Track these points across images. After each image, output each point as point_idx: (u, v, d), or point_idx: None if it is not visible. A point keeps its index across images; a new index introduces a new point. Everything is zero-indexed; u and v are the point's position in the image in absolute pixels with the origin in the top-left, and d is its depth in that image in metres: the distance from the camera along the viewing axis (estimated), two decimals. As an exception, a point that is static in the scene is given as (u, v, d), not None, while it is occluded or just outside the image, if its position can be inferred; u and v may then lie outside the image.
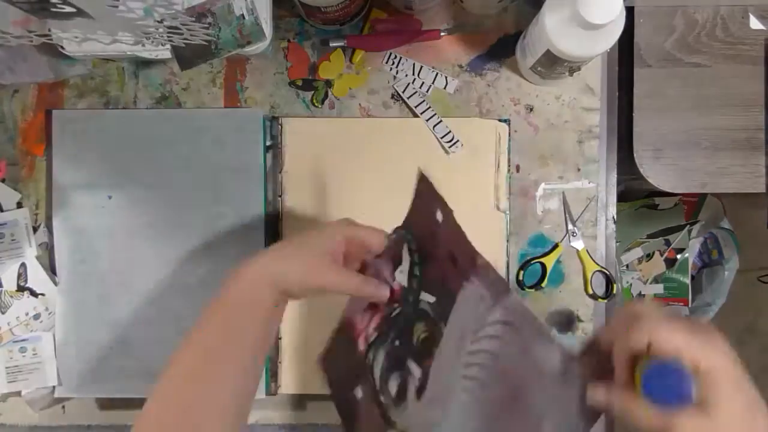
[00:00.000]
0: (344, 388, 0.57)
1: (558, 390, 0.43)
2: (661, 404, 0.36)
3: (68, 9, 0.47)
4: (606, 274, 0.68)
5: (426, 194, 0.51)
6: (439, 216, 0.49)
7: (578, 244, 0.67)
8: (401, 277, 0.53)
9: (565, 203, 0.68)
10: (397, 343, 0.54)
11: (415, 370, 0.52)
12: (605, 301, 0.68)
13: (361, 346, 0.56)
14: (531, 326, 0.43)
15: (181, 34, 0.54)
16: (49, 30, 0.54)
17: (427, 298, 0.52)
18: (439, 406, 0.51)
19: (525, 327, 0.44)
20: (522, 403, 0.44)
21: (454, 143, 0.65)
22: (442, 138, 0.65)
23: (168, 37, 0.54)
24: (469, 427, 0.48)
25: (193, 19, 0.56)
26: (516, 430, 0.45)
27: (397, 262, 0.53)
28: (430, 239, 0.51)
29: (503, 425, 0.46)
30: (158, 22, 0.53)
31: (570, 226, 0.67)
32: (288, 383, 0.66)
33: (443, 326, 0.50)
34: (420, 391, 0.52)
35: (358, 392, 0.56)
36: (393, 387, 0.54)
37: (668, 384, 0.36)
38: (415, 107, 0.66)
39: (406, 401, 0.53)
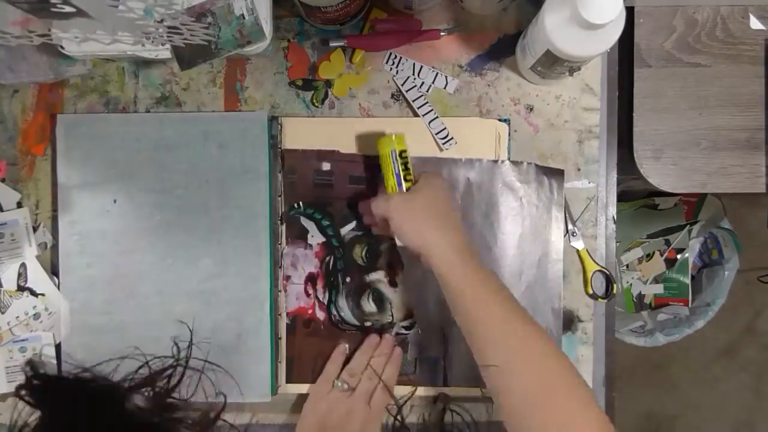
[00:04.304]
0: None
1: None
2: None
3: (68, 9, 0.47)
4: (606, 274, 0.68)
5: (301, 162, 0.65)
6: (326, 165, 0.64)
7: (578, 244, 0.67)
8: (315, 238, 0.65)
9: (565, 203, 0.68)
10: (348, 279, 0.66)
11: (375, 275, 0.65)
12: (605, 301, 0.68)
13: (322, 316, 0.66)
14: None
15: (181, 34, 0.54)
16: (49, 30, 0.54)
17: (348, 228, 0.65)
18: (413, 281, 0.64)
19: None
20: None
21: (448, 140, 0.65)
22: (436, 134, 0.65)
23: (168, 37, 0.54)
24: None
25: (193, 19, 0.56)
26: None
27: (303, 234, 0.65)
28: (321, 191, 0.65)
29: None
30: (158, 21, 0.53)
31: (570, 226, 0.67)
32: (288, 383, 0.66)
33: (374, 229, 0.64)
34: (392, 282, 0.66)
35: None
36: (370, 306, 0.66)
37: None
38: (413, 101, 0.66)
39: (385, 302, 0.66)
